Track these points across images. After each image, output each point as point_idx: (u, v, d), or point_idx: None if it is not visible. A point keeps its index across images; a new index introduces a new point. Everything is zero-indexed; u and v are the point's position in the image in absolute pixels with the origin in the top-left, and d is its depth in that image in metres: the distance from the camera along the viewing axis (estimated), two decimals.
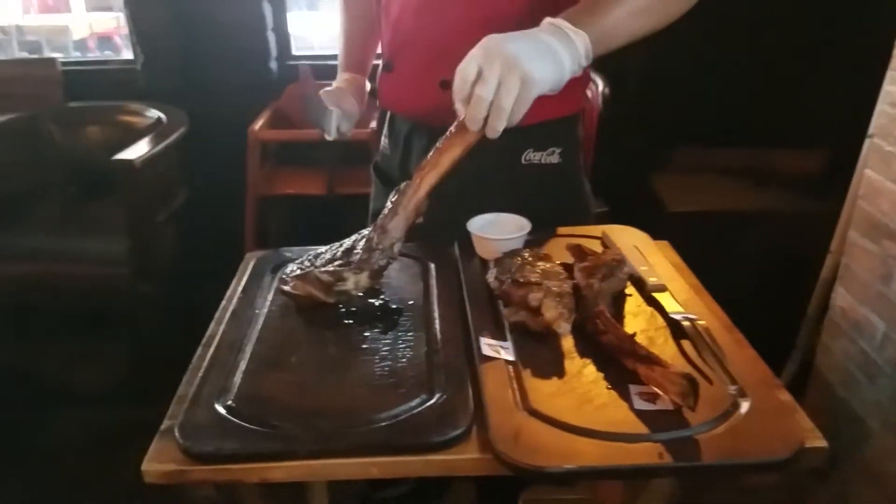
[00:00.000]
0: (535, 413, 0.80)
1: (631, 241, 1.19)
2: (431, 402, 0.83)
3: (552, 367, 0.89)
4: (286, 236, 2.89)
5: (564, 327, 0.91)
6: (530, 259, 1.05)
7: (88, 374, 2.30)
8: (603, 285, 0.99)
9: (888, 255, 1.66)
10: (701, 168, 2.83)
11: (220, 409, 0.81)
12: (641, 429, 0.77)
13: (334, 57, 1.51)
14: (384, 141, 1.47)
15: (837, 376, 1.83)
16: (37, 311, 2.30)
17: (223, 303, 1.09)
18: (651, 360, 0.83)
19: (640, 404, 0.81)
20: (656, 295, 1.05)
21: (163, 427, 0.82)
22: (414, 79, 1.29)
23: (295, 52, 3.01)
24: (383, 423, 0.79)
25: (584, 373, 0.88)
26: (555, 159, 1.29)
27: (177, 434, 0.77)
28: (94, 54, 4.30)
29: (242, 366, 0.90)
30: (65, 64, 2.78)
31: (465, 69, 0.91)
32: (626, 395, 0.83)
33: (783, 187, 2.68)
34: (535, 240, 1.17)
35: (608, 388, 0.85)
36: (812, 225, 2.27)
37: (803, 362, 2.13)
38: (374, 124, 2.55)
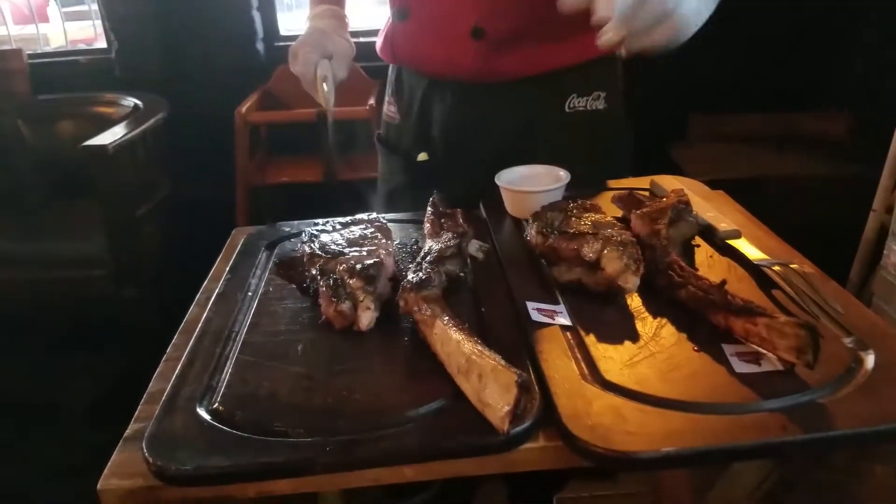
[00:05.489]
0: (609, 385, 0.62)
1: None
2: None
3: (621, 330, 0.71)
4: None
5: (633, 281, 0.73)
6: (575, 211, 0.86)
7: (69, 390, 2.03)
8: (671, 232, 0.81)
9: None
10: (715, 136, 2.69)
11: (204, 415, 0.62)
12: (750, 397, 0.61)
13: None
14: (390, 108, 1.27)
15: None
16: (6, 323, 2.05)
17: (205, 283, 0.90)
18: (753, 310, 0.66)
19: (742, 367, 0.65)
20: (731, 242, 0.87)
21: (127, 433, 0.63)
22: (437, 27, 1.09)
23: (284, 32, 2.81)
24: (421, 421, 0.60)
25: (662, 335, 0.70)
26: (600, 104, 1.14)
27: (145, 451, 0.58)
28: None
29: (232, 359, 0.71)
30: (32, 57, 2.58)
31: None
32: (720, 358, 0.66)
33: (806, 152, 2.54)
34: (572, 195, 0.99)
35: (696, 351, 0.67)
36: (843, 188, 2.11)
37: None
38: (372, 101, 2.37)
